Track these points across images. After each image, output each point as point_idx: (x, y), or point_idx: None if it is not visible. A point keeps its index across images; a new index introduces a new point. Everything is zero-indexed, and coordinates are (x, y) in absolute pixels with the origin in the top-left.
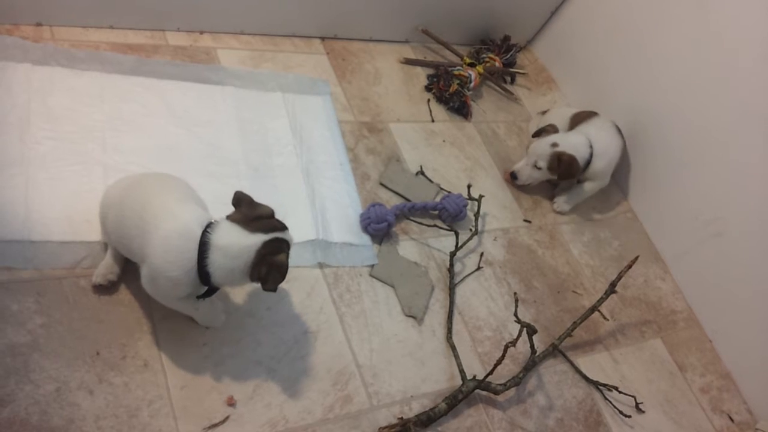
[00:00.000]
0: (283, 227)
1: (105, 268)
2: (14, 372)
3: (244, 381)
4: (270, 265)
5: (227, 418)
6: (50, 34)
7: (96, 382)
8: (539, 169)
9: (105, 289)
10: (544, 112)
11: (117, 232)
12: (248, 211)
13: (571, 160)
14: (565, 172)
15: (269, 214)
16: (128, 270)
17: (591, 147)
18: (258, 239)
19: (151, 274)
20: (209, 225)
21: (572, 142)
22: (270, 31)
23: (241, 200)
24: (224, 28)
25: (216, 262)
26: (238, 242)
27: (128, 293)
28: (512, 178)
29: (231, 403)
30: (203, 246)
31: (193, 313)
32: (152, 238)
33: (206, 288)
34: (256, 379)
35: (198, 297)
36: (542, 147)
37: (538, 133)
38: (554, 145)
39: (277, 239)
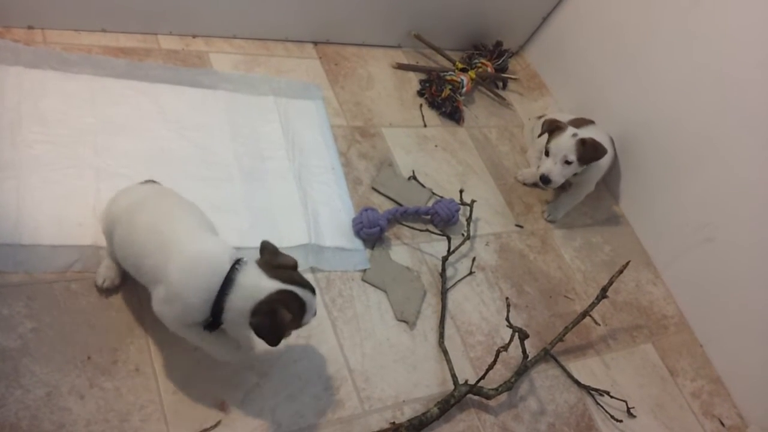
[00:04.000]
0: (303, 283)
1: (108, 270)
2: (4, 376)
3: (236, 386)
4: (270, 312)
5: (219, 422)
6: (42, 37)
7: (87, 387)
8: (570, 163)
9: (106, 291)
10: (540, 117)
11: (126, 250)
12: (271, 259)
13: (594, 142)
14: (590, 154)
15: (291, 265)
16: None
17: None
18: (274, 285)
19: (167, 297)
20: (238, 261)
21: (587, 134)
22: (262, 35)
23: (265, 248)
24: (217, 32)
25: (234, 300)
26: (256, 283)
27: (120, 298)
28: (544, 182)
29: (223, 408)
30: (228, 281)
31: (201, 344)
32: (176, 260)
33: (211, 320)
34: (248, 383)
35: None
36: (565, 141)
37: (552, 129)
38: (574, 135)
39: (294, 294)
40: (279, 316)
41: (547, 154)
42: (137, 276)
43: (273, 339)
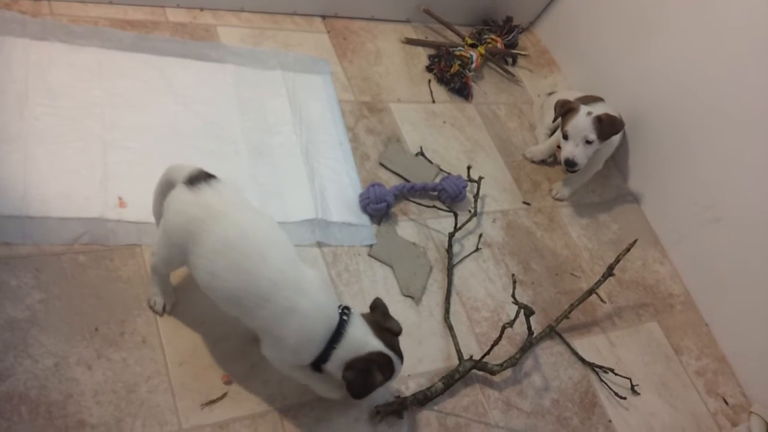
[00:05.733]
0: (399, 353)
1: (166, 296)
2: (13, 347)
3: (242, 358)
4: (365, 370)
5: (225, 394)
6: (49, 9)
7: (94, 358)
8: (591, 143)
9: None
10: (549, 94)
11: (228, 287)
12: (381, 320)
13: (610, 116)
14: (609, 129)
15: (397, 331)
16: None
17: None
18: (377, 345)
19: (276, 346)
20: (344, 310)
21: (600, 108)
22: (270, 8)
23: (376, 307)
24: (224, 5)
25: (340, 351)
26: (362, 338)
27: (127, 270)
28: (569, 166)
29: (227, 381)
30: (338, 334)
31: (310, 383)
32: (291, 317)
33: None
34: (254, 356)
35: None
36: (582, 121)
37: (565, 111)
38: (589, 113)
39: (390, 361)
40: (372, 375)
41: (565, 137)
42: (231, 309)
43: (359, 394)
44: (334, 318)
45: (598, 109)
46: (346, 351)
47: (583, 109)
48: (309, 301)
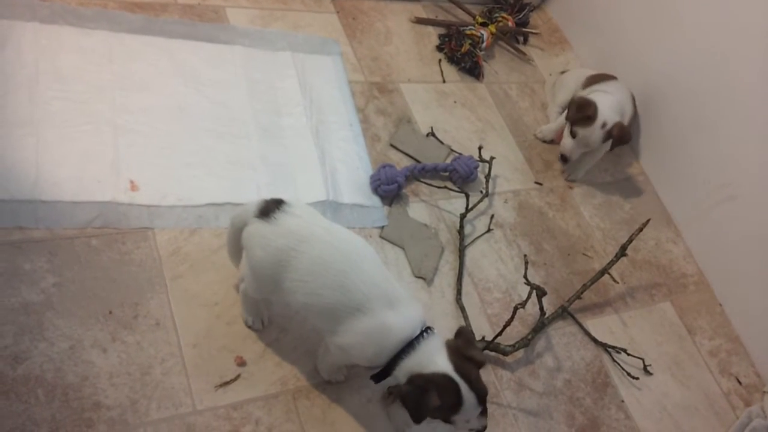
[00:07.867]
0: (475, 387)
1: (259, 313)
2: (29, 330)
3: (255, 340)
4: (421, 389)
5: (238, 376)
6: None
7: (109, 341)
8: (592, 149)
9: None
10: (562, 72)
11: (325, 301)
12: (462, 346)
13: (621, 130)
14: (616, 142)
15: (478, 362)
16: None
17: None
18: (445, 367)
19: (351, 348)
20: (427, 329)
21: (611, 109)
22: None
23: (460, 334)
24: None
25: (407, 363)
26: (430, 356)
27: (140, 253)
28: (563, 160)
29: (240, 362)
30: (410, 347)
31: (323, 366)
32: (378, 326)
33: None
34: (267, 338)
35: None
36: (594, 134)
37: (582, 117)
38: (604, 125)
39: (455, 387)
40: (427, 396)
41: (573, 135)
42: (316, 319)
43: (414, 414)
44: (413, 332)
45: (609, 89)
46: (413, 364)
47: (600, 119)
48: (396, 315)
